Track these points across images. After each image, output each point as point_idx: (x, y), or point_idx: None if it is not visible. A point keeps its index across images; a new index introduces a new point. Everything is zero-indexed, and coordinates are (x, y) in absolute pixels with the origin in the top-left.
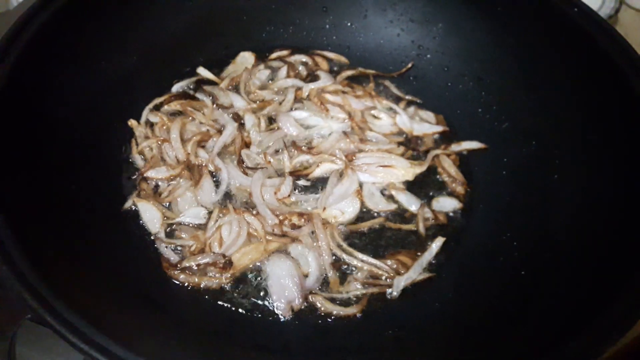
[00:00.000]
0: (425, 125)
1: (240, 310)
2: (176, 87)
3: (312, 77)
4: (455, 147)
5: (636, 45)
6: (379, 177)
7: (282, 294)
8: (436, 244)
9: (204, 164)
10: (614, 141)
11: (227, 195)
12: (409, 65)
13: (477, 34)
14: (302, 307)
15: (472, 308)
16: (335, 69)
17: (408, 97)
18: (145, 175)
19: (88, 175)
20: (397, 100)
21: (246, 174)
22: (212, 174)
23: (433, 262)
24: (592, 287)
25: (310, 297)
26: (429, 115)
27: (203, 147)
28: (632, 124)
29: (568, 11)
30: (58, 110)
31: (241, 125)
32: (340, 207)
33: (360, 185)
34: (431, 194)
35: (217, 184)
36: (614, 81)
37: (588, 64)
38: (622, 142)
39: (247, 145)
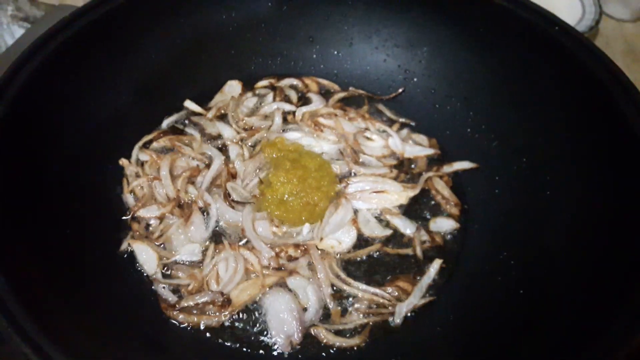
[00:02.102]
0: (417, 147)
1: (241, 347)
2: (165, 123)
3: (303, 99)
4: (447, 169)
5: (617, 55)
6: (373, 203)
7: (281, 328)
8: (434, 267)
9: (193, 200)
10: (602, 154)
11: (219, 231)
12: (400, 90)
13: (461, 56)
14: (302, 341)
15: (473, 330)
16: (323, 92)
17: (402, 120)
18: (136, 214)
19: (82, 219)
20: (390, 122)
21: (233, 207)
22: (202, 210)
23: (432, 284)
24: (590, 303)
25: (312, 329)
26: (422, 138)
27: (193, 182)
28: (618, 137)
29: (549, 29)
30: (50, 155)
31: (226, 157)
32: (337, 237)
33: (355, 212)
34: (427, 216)
35: (207, 219)
36: (597, 95)
37: (571, 80)
38: (611, 155)
39: (233, 176)
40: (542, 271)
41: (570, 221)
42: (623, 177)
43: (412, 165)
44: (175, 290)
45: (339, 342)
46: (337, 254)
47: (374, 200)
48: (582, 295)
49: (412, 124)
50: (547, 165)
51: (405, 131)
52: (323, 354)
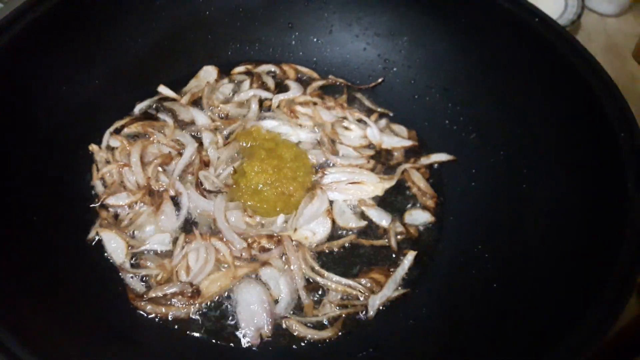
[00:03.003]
0: (395, 138)
1: (210, 339)
2: (138, 108)
3: (280, 87)
4: (425, 160)
5: (599, 49)
6: (350, 195)
7: (251, 320)
8: (408, 259)
9: (164, 189)
10: (581, 149)
11: (190, 221)
12: (379, 80)
13: (441, 46)
14: (272, 333)
15: (446, 323)
16: (305, 78)
17: (380, 110)
18: (105, 202)
19: (50, 205)
20: (368, 112)
21: (205, 196)
22: (173, 199)
23: (406, 277)
24: (564, 298)
25: (284, 322)
26: (401, 129)
27: (164, 170)
28: (597, 131)
29: (530, 21)
30: (19, 138)
31: (200, 144)
32: (311, 228)
33: (331, 203)
34: (403, 208)
35: (178, 208)
36: (576, 88)
37: (551, 73)
38: (589, 149)
39: (205, 164)
40: (517, 265)
41: (546, 215)
42: (601, 173)
43: (389, 157)
44: (144, 281)
45: (311, 334)
46: (311, 245)
47: (350, 191)
48: (556, 290)
49: (390, 114)
50: (525, 159)
51: (383, 121)
52: (294, 346)
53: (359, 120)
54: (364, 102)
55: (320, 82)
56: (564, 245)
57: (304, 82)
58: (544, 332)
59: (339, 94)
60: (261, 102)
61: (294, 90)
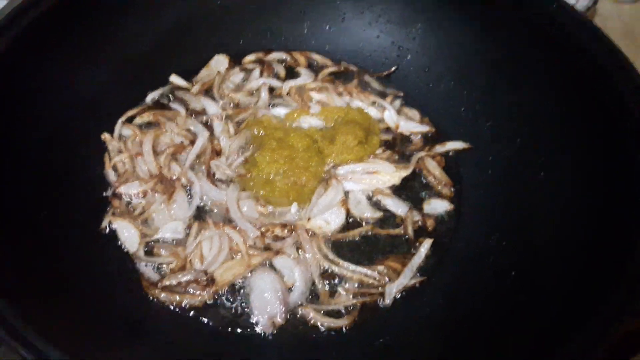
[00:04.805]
0: (411, 123)
1: (225, 327)
2: (149, 98)
3: (292, 74)
4: (440, 148)
5: (614, 36)
6: (365, 184)
7: (264, 309)
8: (424, 247)
9: (176, 178)
10: (599, 137)
11: (202, 209)
12: (393, 69)
13: (456, 33)
14: (286, 322)
15: (462, 312)
16: (317, 64)
17: (389, 91)
18: (117, 190)
19: (63, 195)
20: (381, 96)
21: (216, 186)
22: (186, 188)
23: (423, 266)
24: (582, 288)
25: (300, 309)
26: (414, 113)
27: (176, 159)
28: (615, 118)
29: (547, 7)
30: (31, 129)
31: (211, 133)
32: (325, 218)
33: (346, 193)
34: (420, 196)
35: (191, 197)
36: (595, 76)
37: (569, 60)
38: (609, 138)
39: (217, 153)
40: (535, 254)
41: (565, 204)
42: (621, 162)
43: (407, 143)
44: (158, 269)
45: (327, 322)
46: (325, 235)
47: (366, 181)
48: (574, 281)
49: (401, 94)
50: (543, 147)
51: (398, 102)
52: (309, 334)
53: (373, 103)
54: (374, 86)
55: (332, 69)
56: (583, 235)
57: (315, 70)
58: (561, 323)
59: (350, 80)
60: (271, 90)
61: (305, 77)
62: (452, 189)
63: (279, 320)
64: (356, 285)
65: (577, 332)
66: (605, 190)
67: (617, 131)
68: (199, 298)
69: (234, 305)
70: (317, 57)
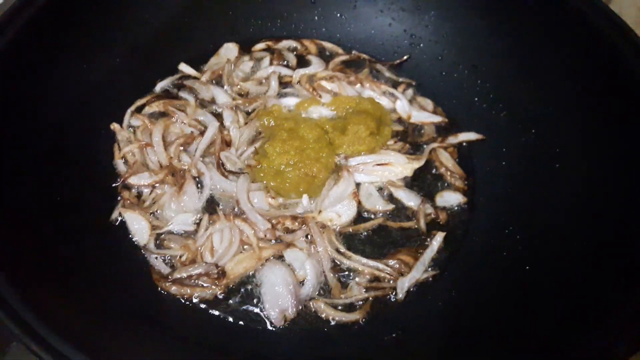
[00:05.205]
0: (424, 113)
1: (236, 320)
2: (159, 87)
3: (302, 62)
4: (453, 140)
5: (630, 23)
6: (377, 176)
7: (276, 302)
8: (437, 240)
9: (186, 169)
10: (616, 128)
11: (213, 201)
12: (405, 57)
13: (470, 21)
14: (298, 315)
15: (475, 306)
16: (327, 53)
17: (401, 80)
18: (127, 181)
19: (72, 185)
20: (393, 85)
21: (227, 177)
22: (196, 179)
23: (435, 259)
24: (598, 283)
25: (311, 303)
26: (427, 102)
27: (186, 150)
28: (633, 107)
29: None
30: (41, 118)
31: (221, 123)
32: (336, 210)
33: (357, 185)
34: (433, 188)
35: (201, 188)
36: (612, 63)
37: (585, 47)
38: (625, 129)
39: (227, 144)
40: (549, 247)
41: (579, 196)
42: (638, 150)
43: (418, 134)
44: (168, 261)
45: (339, 316)
46: (336, 227)
47: (377, 172)
48: (589, 275)
49: (413, 83)
50: (558, 138)
51: (410, 91)
52: (320, 328)
53: (384, 92)
54: (386, 75)
55: (343, 57)
56: (597, 229)
57: (326, 58)
58: (577, 319)
59: (362, 69)
60: (282, 78)
61: (316, 66)
62: (465, 181)
63: (290, 313)
64: (368, 278)
65: (592, 328)
66: (622, 181)
67: (634, 119)
68: (210, 291)
69: (245, 298)
70: (328, 45)
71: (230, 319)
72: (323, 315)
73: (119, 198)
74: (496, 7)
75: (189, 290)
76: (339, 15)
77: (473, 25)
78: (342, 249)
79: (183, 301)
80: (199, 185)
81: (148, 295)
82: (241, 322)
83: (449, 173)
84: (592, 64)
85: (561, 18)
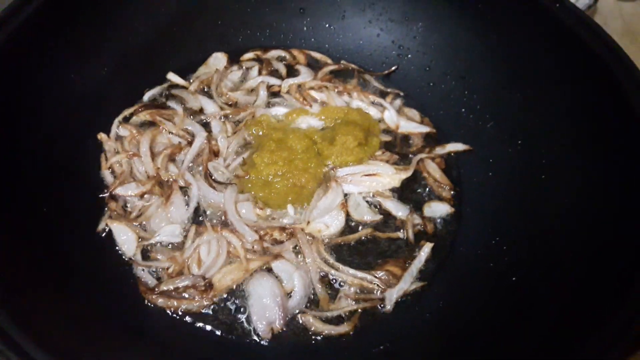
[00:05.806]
0: (412, 123)
1: (223, 333)
2: (147, 96)
3: (291, 72)
4: (440, 150)
5: (615, 34)
6: (365, 187)
7: (263, 314)
8: (425, 251)
9: (174, 179)
10: (601, 138)
11: (200, 212)
12: (393, 68)
13: (458, 33)
14: (286, 328)
15: (463, 317)
16: (315, 62)
17: (390, 90)
18: (114, 192)
19: (59, 196)
20: (381, 95)
21: (214, 188)
22: (183, 189)
23: (423, 270)
24: (584, 295)
25: (300, 316)
26: (414, 113)
27: (174, 160)
28: (619, 119)
29: (550, 7)
30: (27, 128)
31: (210, 133)
32: (325, 221)
33: (346, 196)
34: (420, 199)
35: (188, 199)
36: (598, 76)
37: (571, 60)
38: (611, 139)
39: (215, 154)
40: (535, 258)
41: (565, 207)
42: (623, 163)
43: (407, 144)
44: (155, 273)
45: (328, 329)
46: (324, 238)
47: (366, 183)
48: (575, 287)
49: (401, 94)
50: (544, 149)
51: (398, 101)
52: (308, 340)
53: (372, 103)
54: (374, 85)
55: (332, 67)
56: (584, 239)
57: (315, 68)
58: (562, 331)
59: (350, 79)
60: (269, 88)
61: (304, 75)
62: (453, 192)
63: (278, 326)
64: (356, 290)
65: (578, 340)
66: (608, 191)
67: (619, 130)
68: (197, 304)
69: (232, 310)
70: (317, 55)
71: (218, 332)
72: (312, 329)
73: (105, 209)
74: (483, 19)
75: (175, 303)
76: (327, 25)
77: (460, 37)
78: (331, 260)
79: (170, 314)
80: (186, 196)
81: (134, 308)
82: (228, 335)
83: (436, 184)
84: (579, 76)
85: (547, 30)
